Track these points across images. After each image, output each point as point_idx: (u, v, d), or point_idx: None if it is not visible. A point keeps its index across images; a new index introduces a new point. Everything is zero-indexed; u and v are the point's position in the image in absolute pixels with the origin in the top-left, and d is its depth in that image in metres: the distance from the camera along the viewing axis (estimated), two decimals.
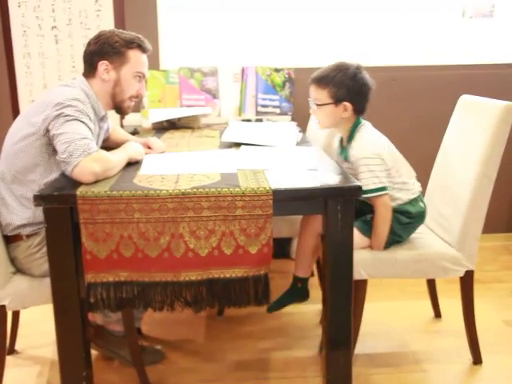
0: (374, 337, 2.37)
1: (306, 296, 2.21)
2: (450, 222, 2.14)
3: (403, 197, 2.04)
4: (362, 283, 2.02)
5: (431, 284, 2.47)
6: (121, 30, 2.02)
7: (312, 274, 2.46)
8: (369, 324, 2.30)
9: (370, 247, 2.04)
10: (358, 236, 1.94)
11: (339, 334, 1.71)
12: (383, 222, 1.98)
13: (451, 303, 2.34)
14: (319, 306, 2.18)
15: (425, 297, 2.53)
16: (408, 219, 2.05)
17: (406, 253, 2.05)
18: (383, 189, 1.95)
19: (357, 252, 1.93)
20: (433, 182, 2.38)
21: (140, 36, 2.02)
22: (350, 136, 2.03)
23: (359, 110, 2.02)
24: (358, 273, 1.98)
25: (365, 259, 2.00)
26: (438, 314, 2.53)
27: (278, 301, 2.19)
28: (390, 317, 2.55)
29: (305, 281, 2.19)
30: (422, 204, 2.10)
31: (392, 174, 2.01)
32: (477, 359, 2.15)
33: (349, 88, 1.95)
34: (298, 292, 2.20)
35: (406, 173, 2.06)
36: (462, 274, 2.08)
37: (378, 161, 1.96)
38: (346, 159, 2.06)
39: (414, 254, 2.06)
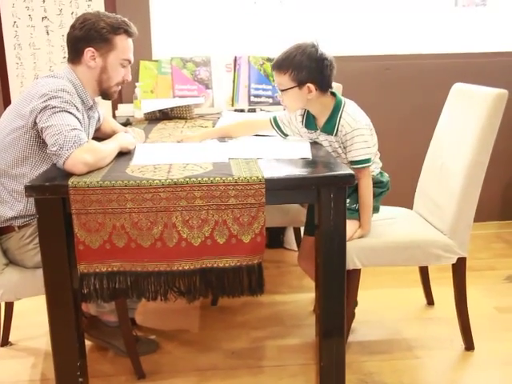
0: (367, 324, 2.38)
1: None
2: (443, 209, 2.14)
3: (375, 169, 2.09)
4: (356, 272, 2.03)
5: (424, 272, 2.48)
6: (105, 13, 1.97)
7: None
8: (362, 312, 2.31)
9: (360, 228, 2.02)
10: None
11: (332, 322, 1.72)
12: (369, 192, 2.00)
13: (443, 291, 2.35)
14: (312, 295, 2.18)
15: (417, 285, 2.54)
16: (380, 189, 2.10)
17: (398, 240, 2.06)
18: (369, 160, 1.98)
19: (350, 241, 1.95)
20: (426, 169, 2.38)
21: (126, 20, 1.97)
22: (333, 113, 1.98)
23: (324, 88, 1.96)
24: (352, 262, 1.99)
25: (358, 248, 2.01)
26: (430, 302, 2.54)
27: None
28: (382, 305, 2.56)
29: None
30: (385, 173, 2.17)
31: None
32: (469, 345, 2.17)
33: (309, 69, 1.89)
34: None
35: (376, 145, 2.09)
36: (454, 261, 2.10)
37: (369, 131, 1.99)
38: (328, 132, 2.01)
39: (406, 241, 2.07)
